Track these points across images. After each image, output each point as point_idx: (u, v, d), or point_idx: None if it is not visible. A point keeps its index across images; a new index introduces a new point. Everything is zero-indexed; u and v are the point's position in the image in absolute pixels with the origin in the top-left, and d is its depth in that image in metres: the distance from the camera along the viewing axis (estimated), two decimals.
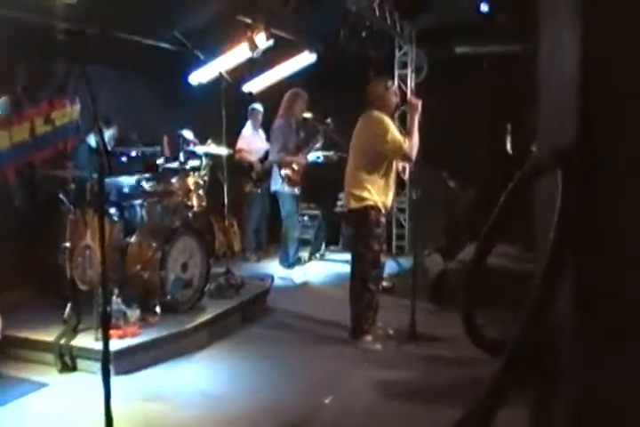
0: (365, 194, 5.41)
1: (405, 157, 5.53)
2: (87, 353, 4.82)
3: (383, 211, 5.51)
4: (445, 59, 9.61)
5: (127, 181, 6.08)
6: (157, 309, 5.51)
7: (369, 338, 5.53)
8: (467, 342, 1.98)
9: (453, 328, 5.78)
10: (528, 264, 5.63)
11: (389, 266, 7.39)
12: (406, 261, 8.29)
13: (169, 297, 5.58)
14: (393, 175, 5.62)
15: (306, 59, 9.07)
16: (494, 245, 2.07)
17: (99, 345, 4.62)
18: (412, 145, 5.38)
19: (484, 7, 8.71)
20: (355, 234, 5.67)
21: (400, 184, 5.99)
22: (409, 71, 9.72)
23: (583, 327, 1.62)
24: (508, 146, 9.55)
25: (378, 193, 5.43)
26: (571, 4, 1.75)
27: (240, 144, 8.68)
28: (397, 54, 9.75)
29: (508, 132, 9.68)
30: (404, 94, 7.47)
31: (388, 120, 5.43)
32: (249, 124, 8.92)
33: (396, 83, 8.86)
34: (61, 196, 5.56)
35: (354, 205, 5.50)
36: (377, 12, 8.35)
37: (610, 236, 1.61)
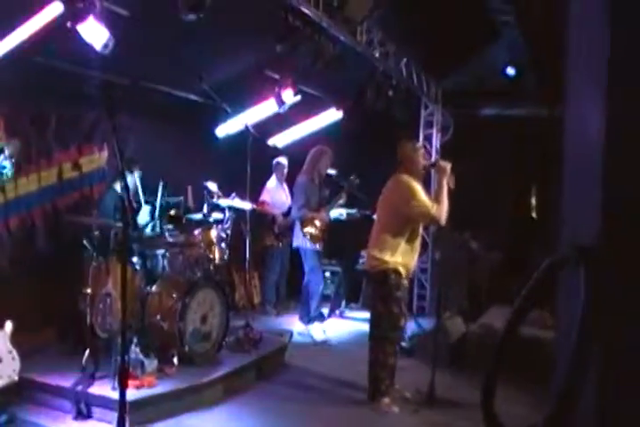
0: (387, 257, 5.33)
1: (434, 221, 5.49)
2: (103, 401, 4.72)
3: (404, 274, 5.41)
4: (471, 120, 9.67)
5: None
6: (175, 360, 5.43)
7: (387, 401, 5.39)
8: None
9: (473, 393, 5.64)
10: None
11: (409, 327, 7.28)
12: (427, 322, 8.19)
13: (187, 349, 5.51)
14: (419, 239, 5.56)
15: (332, 115, 9.16)
16: (515, 339, 1.99)
17: (115, 394, 4.56)
18: (442, 209, 5.29)
19: (511, 70, 8.86)
20: (374, 295, 5.58)
21: (422, 244, 5.90)
22: (434, 131, 9.76)
23: None
24: (533, 210, 9.52)
25: (401, 256, 5.36)
26: (595, 78, 1.74)
27: (264, 196, 8.71)
28: (423, 113, 9.80)
29: (533, 194, 9.66)
30: (429, 154, 7.49)
31: (415, 184, 5.37)
32: (274, 177, 8.94)
33: (421, 142, 8.90)
34: (85, 242, 5.56)
35: (374, 267, 5.44)
36: (404, 72, 8.45)
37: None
